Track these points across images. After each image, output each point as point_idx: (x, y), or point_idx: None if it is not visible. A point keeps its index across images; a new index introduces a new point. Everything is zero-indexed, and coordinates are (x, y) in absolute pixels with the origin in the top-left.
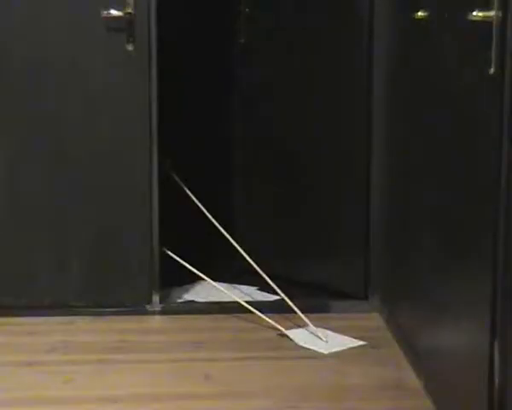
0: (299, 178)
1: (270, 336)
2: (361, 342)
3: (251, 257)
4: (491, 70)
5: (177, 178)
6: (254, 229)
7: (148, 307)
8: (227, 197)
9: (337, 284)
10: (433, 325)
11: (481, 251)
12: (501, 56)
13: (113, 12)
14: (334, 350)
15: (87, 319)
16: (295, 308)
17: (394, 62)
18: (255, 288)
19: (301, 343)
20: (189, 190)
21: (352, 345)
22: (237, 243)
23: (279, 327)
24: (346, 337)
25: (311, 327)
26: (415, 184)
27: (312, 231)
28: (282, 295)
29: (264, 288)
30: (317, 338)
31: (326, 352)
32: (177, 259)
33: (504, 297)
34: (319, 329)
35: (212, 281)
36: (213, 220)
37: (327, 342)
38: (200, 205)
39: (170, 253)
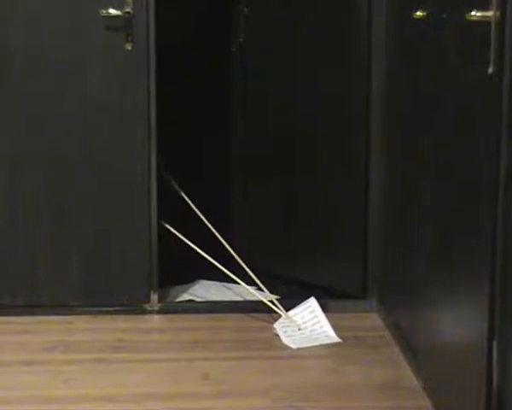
0: (298, 178)
1: (269, 336)
2: (337, 340)
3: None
4: (490, 69)
5: (176, 186)
6: (254, 229)
7: (146, 306)
8: (226, 197)
9: (336, 284)
10: (431, 325)
11: (480, 251)
12: (499, 55)
13: (112, 11)
14: (302, 346)
15: (86, 318)
16: (277, 303)
17: (393, 62)
18: (253, 287)
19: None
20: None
21: (324, 342)
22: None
23: (278, 311)
24: (327, 333)
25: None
26: (414, 184)
27: (311, 231)
28: (265, 290)
29: (264, 288)
30: (296, 330)
31: (294, 346)
32: (176, 233)
33: (503, 297)
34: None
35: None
36: (210, 226)
37: (301, 330)
38: (197, 211)
39: (168, 226)
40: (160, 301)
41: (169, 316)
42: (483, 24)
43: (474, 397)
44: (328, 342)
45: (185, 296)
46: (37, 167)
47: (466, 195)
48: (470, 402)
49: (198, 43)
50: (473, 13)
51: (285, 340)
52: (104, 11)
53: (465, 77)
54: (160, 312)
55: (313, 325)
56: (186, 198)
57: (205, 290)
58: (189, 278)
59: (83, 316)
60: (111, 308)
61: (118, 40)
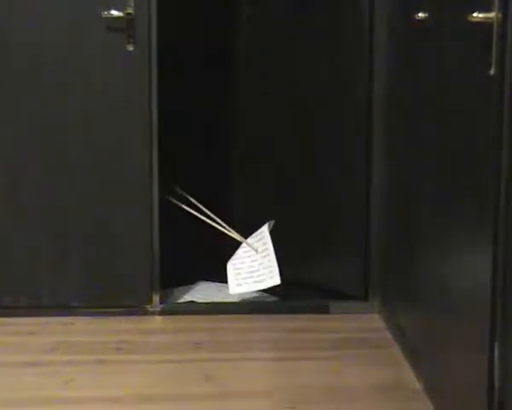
0: (299, 178)
1: (269, 337)
2: (278, 281)
3: None
4: (492, 71)
5: (180, 191)
6: (254, 229)
7: (148, 307)
8: (226, 197)
9: (337, 285)
10: (432, 326)
11: (481, 252)
12: (501, 57)
13: (114, 12)
14: (238, 292)
15: (87, 319)
16: (234, 232)
17: (395, 63)
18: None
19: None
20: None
21: (264, 286)
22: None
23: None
24: (272, 269)
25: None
26: (415, 184)
27: (312, 232)
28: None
29: (265, 289)
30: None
31: (232, 292)
32: (181, 205)
33: (504, 299)
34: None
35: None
36: (217, 219)
37: (259, 253)
38: (202, 207)
39: (172, 199)
40: (161, 302)
41: (171, 317)
42: (485, 25)
43: (476, 399)
44: (268, 285)
45: (187, 297)
46: (38, 167)
47: (467, 196)
48: (472, 404)
49: (199, 44)
50: (475, 14)
51: (230, 280)
52: (106, 12)
53: (466, 79)
54: (161, 313)
55: (263, 257)
56: (188, 197)
57: (206, 291)
58: (191, 280)
59: (84, 317)
60: (112, 309)
61: (119, 41)
